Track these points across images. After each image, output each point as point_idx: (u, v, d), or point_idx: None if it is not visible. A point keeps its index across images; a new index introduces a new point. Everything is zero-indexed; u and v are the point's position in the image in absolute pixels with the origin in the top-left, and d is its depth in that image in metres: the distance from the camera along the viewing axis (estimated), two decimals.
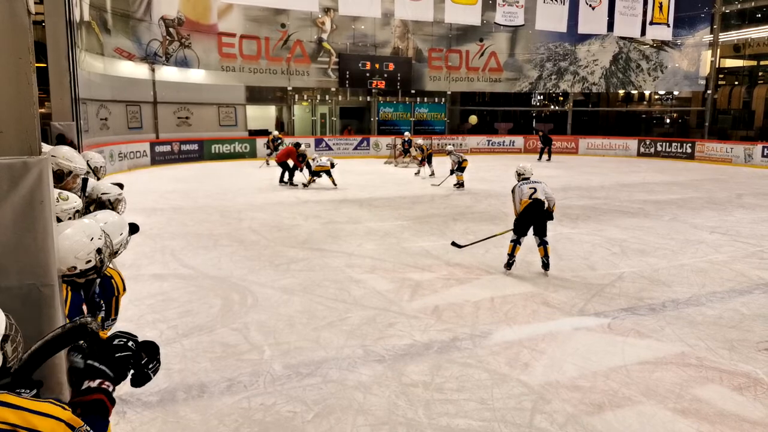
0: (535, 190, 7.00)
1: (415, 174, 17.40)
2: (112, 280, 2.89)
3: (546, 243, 7.02)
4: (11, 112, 1.72)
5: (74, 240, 2.37)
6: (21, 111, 1.73)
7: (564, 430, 3.59)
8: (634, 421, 3.70)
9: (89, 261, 2.40)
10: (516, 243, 7.05)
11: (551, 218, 7.05)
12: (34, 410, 1.40)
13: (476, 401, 3.92)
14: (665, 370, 4.44)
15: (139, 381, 2.16)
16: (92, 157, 4.95)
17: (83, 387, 1.66)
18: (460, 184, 14.58)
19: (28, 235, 1.75)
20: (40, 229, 1.78)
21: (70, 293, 2.39)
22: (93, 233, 2.43)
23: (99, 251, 2.45)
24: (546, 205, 6.99)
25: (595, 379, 4.27)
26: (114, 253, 2.88)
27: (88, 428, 1.54)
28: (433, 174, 16.61)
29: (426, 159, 17.05)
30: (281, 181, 15.18)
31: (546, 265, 7.05)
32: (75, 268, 2.38)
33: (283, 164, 15.24)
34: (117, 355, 2.04)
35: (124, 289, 2.97)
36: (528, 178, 7.21)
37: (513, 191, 7.19)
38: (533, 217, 6.97)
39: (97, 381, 1.67)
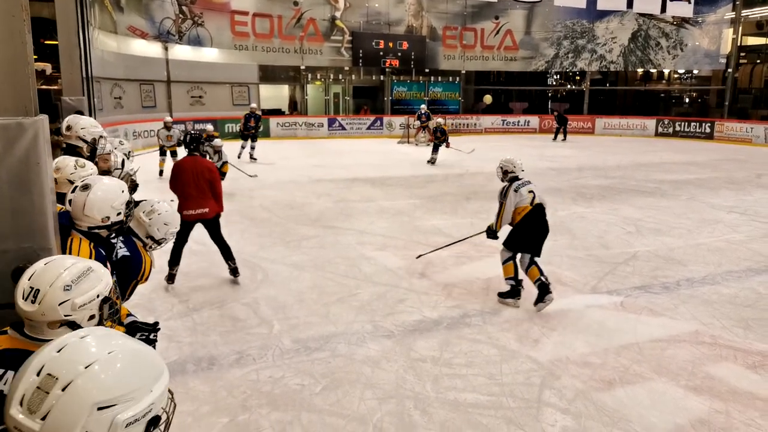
0: (534, 193, 5.18)
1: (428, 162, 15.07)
2: (143, 263, 2.79)
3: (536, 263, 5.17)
4: (5, 72, 1.67)
5: (111, 190, 2.44)
6: (16, 71, 1.68)
7: (573, 405, 3.56)
8: (645, 397, 3.66)
9: (119, 213, 2.45)
10: (512, 260, 5.22)
11: None
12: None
13: (485, 376, 3.90)
14: (678, 347, 4.38)
15: None
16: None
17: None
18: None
19: (25, 198, 1.73)
20: (37, 191, 1.75)
21: (93, 251, 2.34)
22: (122, 186, 2.55)
23: (128, 204, 2.52)
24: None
25: (606, 355, 4.22)
26: (159, 242, 2.98)
27: None
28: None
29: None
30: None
31: (547, 288, 5.02)
32: (108, 218, 2.41)
33: None
34: None
35: (147, 278, 2.84)
36: (518, 177, 5.27)
37: (505, 194, 5.17)
38: (539, 227, 5.18)
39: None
